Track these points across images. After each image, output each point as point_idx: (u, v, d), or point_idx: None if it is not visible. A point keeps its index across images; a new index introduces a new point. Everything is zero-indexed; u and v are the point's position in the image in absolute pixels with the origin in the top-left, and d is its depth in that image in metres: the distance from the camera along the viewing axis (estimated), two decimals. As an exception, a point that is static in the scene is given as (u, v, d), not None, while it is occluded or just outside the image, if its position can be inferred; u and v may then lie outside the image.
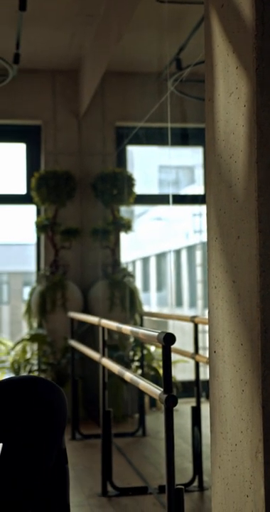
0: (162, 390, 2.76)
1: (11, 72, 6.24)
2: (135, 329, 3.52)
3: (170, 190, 11.54)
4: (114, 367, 4.05)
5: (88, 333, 6.74)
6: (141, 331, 3.31)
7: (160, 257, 14.87)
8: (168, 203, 7.71)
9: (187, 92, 6.70)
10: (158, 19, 5.60)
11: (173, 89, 6.00)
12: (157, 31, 5.89)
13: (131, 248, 13.02)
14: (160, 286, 15.19)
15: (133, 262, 15.18)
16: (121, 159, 7.71)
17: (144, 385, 3.17)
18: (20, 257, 14.05)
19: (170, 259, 13.33)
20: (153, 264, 15.57)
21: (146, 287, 15.61)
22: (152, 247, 14.91)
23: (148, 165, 12.87)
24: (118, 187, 7.16)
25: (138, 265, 15.93)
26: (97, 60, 6.46)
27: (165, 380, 2.71)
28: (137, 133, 7.05)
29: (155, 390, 2.89)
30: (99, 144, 7.59)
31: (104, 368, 4.49)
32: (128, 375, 3.60)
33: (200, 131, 7.55)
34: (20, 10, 5.09)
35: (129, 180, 7.27)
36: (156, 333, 2.77)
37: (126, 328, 3.71)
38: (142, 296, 8.06)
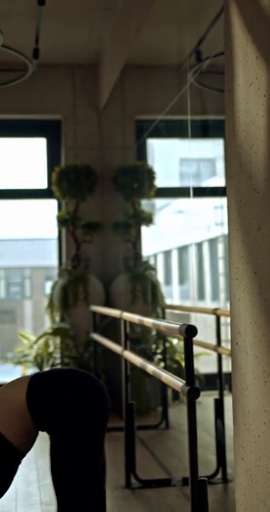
0: (184, 382, 2.76)
1: (31, 67, 6.26)
2: (157, 322, 3.52)
3: (191, 183, 11.50)
4: (136, 360, 4.06)
5: (110, 327, 6.74)
6: (162, 323, 3.31)
7: (182, 250, 14.84)
8: (189, 195, 7.69)
9: (207, 83, 6.68)
10: (177, 11, 5.58)
11: (192, 81, 5.98)
12: (176, 23, 5.87)
13: (153, 241, 13.00)
14: (182, 279, 15.17)
15: (155, 256, 15.17)
16: (142, 152, 7.70)
17: (166, 377, 3.17)
18: (41, 251, 14.11)
19: (192, 253, 13.30)
20: (174, 257, 15.55)
21: (168, 280, 15.60)
22: (174, 240, 14.88)
23: (169, 158, 12.84)
24: (138, 180, 7.15)
25: (160, 258, 15.92)
26: (116, 54, 6.46)
27: (187, 372, 2.71)
28: (157, 126, 7.04)
29: (177, 382, 2.89)
30: (119, 138, 7.59)
31: (126, 360, 4.50)
32: (150, 368, 3.60)
33: (221, 123, 7.51)
34: (39, 4, 5.10)
35: (150, 174, 7.27)
36: (178, 326, 2.76)
37: (148, 321, 3.71)
38: (164, 289, 8.05)
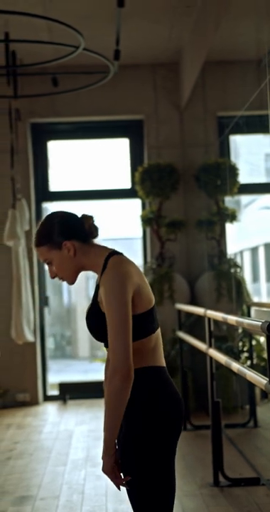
0: (268, 379, 2.73)
1: (112, 69, 6.32)
2: (240, 319, 3.50)
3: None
4: (221, 357, 4.04)
5: (197, 325, 6.74)
6: (245, 321, 3.29)
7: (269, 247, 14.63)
8: (272, 191, 7.59)
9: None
10: (256, 5, 5.52)
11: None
12: (255, 18, 5.80)
13: (239, 238, 12.89)
14: (271, 276, 14.95)
15: (241, 253, 15.02)
16: (224, 149, 7.65)
17: (251, 375, 3.15)
18: (127, 251, 14.19)
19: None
20: (261, 254, 15.35)
21: (255, 278, 15.42)
22: (260, 236, 14.69)
23: (254, 154, 12.69)
24: (221, 177, 7.10)
25: (247, 256, 15.75)
26: (197, 51, 6.44)
27: (271, 370, 2.68)
28: (239, 122, 6.97)
29: (261, 380, 2.87)
30: (201, 135, 7.57)
31: (211, 358, 4.49)
32: (235, 366, 3.59)
33: None
34: (118, 6, 5.14)
35: (232, 170, 7.20)
36: (260, 323, 2.74)
37: (231, 319, 3.69)
38: (251, 287, 7.96)
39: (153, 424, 2.19)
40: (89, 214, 2.38)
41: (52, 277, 2.36)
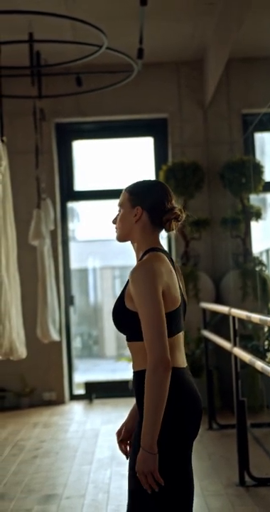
0: (292, 378, 2.71)
1: (136, 68, 6.31)
2: (264, 317, 3.47)
3: None
4: (245, 356, 4.02)
5: (222, 323, 6.71)
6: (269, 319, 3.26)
7: None
8: None
9: None
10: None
11: None
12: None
13: (265, 237, 12.79)
14: None
15: (268, 251, 14.92)
16: (249, 147, 7.60)
17: (275, 373, 3.13)
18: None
19: None
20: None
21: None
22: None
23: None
24: (246, 175, 7.06)
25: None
26: (220, 48, 6.41)
27: (295, 368, 2.65)
28: (263, 119, 6.92)
29: (285, 379, 2.84)
30: (225, 133, 7.54)
31: (236, 357, 4.46)
32: (259, 364, 3.56)
33: None
34: (141, 5, 5.13)
35: (258, 168, 7.16)
36: (284, 321, 2.72)
37: (255, 317, 3.67)
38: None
39: (170, 423, 2.16)
40: (183, 212, 2.35)
41: (112, 222, 2.42)
